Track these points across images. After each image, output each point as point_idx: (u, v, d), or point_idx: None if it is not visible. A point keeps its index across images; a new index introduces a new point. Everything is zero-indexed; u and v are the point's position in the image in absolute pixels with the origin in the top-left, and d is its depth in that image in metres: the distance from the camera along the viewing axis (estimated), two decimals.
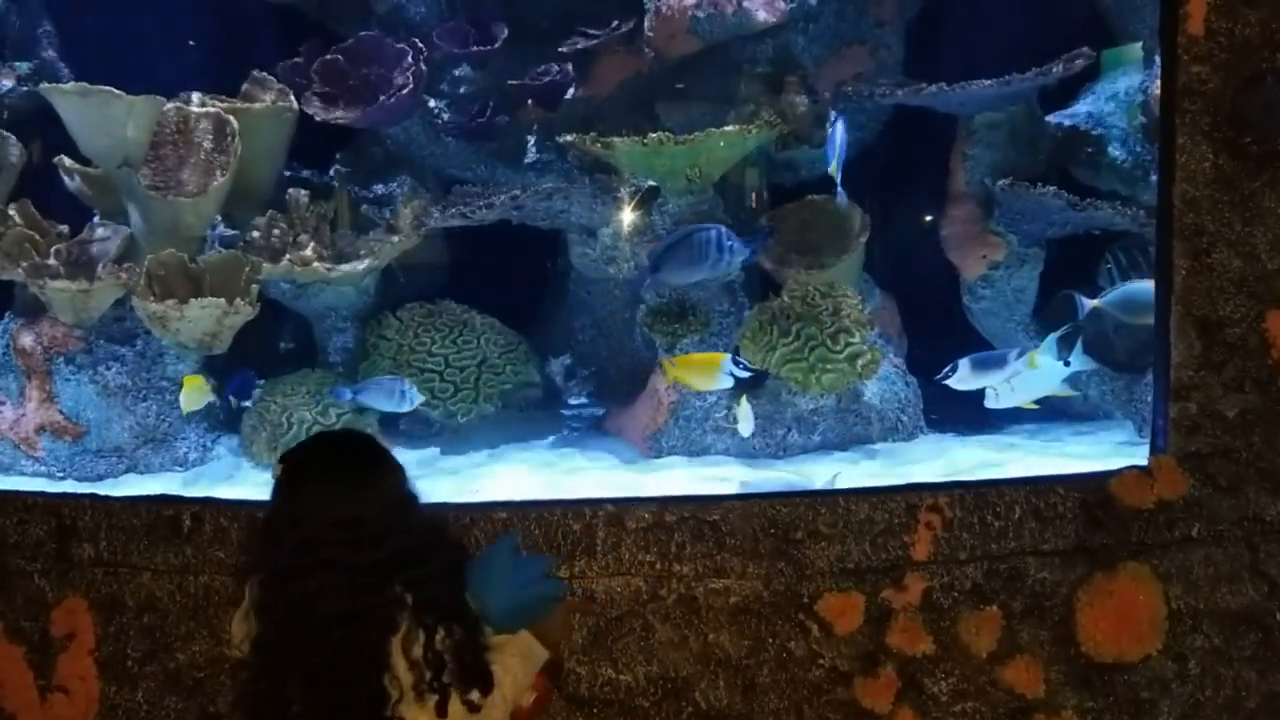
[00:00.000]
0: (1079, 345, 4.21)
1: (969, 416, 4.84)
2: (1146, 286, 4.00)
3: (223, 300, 4.63)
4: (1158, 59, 4.39)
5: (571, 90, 5.23)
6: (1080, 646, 3.61)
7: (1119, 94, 4.95)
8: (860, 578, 3.56)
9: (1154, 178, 4.75)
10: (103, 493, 4.09)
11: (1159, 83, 4.49)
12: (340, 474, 2.39)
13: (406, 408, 4.62)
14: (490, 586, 2.49)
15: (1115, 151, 4.89)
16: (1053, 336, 4.24)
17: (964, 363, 4.28)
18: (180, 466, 4.83)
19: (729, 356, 4.33)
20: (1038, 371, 4.16)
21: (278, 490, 2.40)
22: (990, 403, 4.22)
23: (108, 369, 4.78)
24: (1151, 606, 3.60)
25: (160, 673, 3.75)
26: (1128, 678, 3.66)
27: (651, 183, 4.87)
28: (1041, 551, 3.63)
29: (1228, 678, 3.73)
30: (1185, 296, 3.70)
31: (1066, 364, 4.19)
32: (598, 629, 3.57)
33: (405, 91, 5.06)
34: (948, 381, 4.35)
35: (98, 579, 3.79)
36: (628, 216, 4.90)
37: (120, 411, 4.78)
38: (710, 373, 4.36)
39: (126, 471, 4.78)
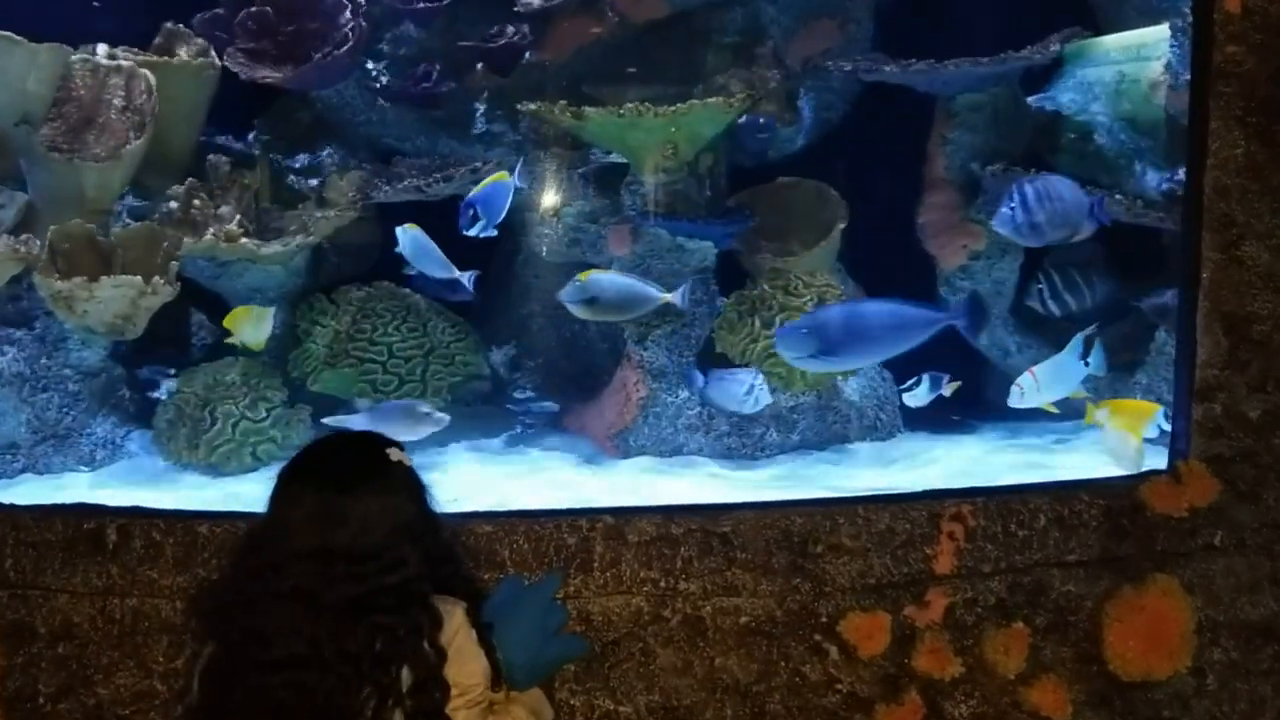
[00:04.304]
0: (1098, 347, 3.99)
1: (942, 415, 4.63)
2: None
3: (139, 279, 4.12)
4: (1167, 41, 4.25)
5: (526, 54, 4.79)
6: (1108, 665, 3.40)
7: (1104, 79, 4.75)
8: (882, 594, 3.28)
9: (1138, 167, 4.63)
10: (8, 501, 3.57)
11: (1158, 65, 4.42)
12: (331, 488, 2.08)
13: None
14: (512, 642, 2.25)
15: (1101, 139, 4.68)
16: (1079, 337, 4.01)
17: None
18: (86, 466, 4.33)
19: (1162, 410, 3.78)
20: (1060, 371, 3.92)
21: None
22: (1014, 402, 3.98)
23: (1, 355, 4.27)
24: (1182, 622, 3.41)
25: (78, 710, 3.29)
26: (1149, 695, 3.47)
27: (618, 158, 4.50)
28: (1066, 563, 3.42)
29: (1243, 692, 3.56)
30: (1213, 291, 3.51)
31: (1086, 364, 3.96)
32: (593, 654, 3.21)
33: (343, 50, 4.58)
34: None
35: (2, 602, 3.30)
36: (594, 195, 4.51)
37: (15, 404, 4.27)
38: (1140, 421, 3.81)
39: (23, 472, 4.25)
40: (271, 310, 4.34)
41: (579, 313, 4.20)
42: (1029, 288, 4.72)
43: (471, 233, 4.07)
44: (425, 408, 4.13)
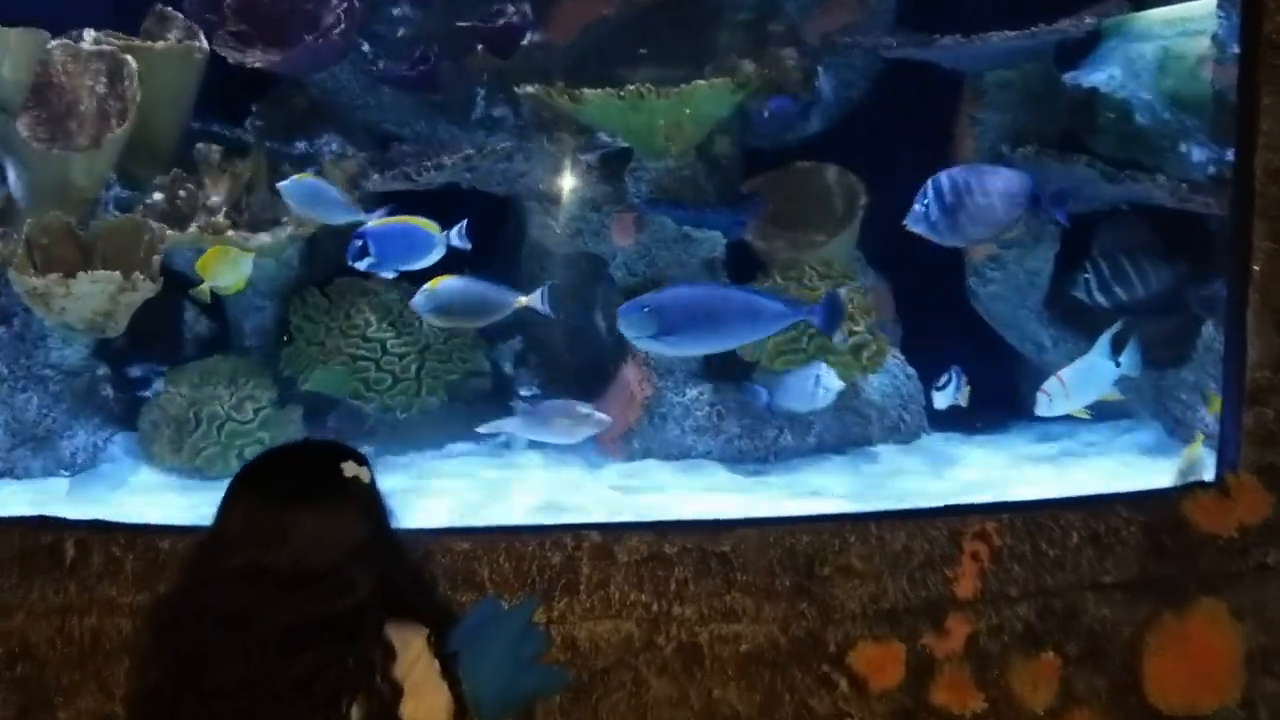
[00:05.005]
0: (1132, 345, 3.69)
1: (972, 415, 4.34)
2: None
3: (117, 274, 3.92)
4: (1214, 12, 3.94)
5: (529, 35, 4.54)
6: (1147, 698, 3.14)
7: (1145, 54, 4.43)
8: (897, 621, 3.02)
9: (1183, 148, 4.32)
10: None
11: (1204, 39, 4.11)
12: (273, 502, 1.89)
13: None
14: (481, 673, 2.01)
15: (1142, 118, 4.37)
16: (1106, 335, 3.73)
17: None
18: (66, 470, 4.13)
19: None
20: (1089, 374, 3.63)
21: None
22: (1042, 410, 3.70)
23: None
24: (1230, 652, 3.15)
25: None
26: None
27: (622, 143, 4.25)
28: (1101, 585, 3.17)
29: None
30: (1265, 285, 3.24)
31: (1117, 364, 3.67)
32: (580, 684, 2.99)
33: (336, 32, 4.36)
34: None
35: None
36: (595, 182, 4.26)
37: None
38: None
39: (0, 476, 4.06)
40: (251, 255, 4.10)
41: (433, 320, 4.03)
42: (1075, 278, 4.44)
43: (359, 266, 3.85)
44: (584, 408, 3.94)
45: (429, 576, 2.15)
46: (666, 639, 3.01)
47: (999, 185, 3.64)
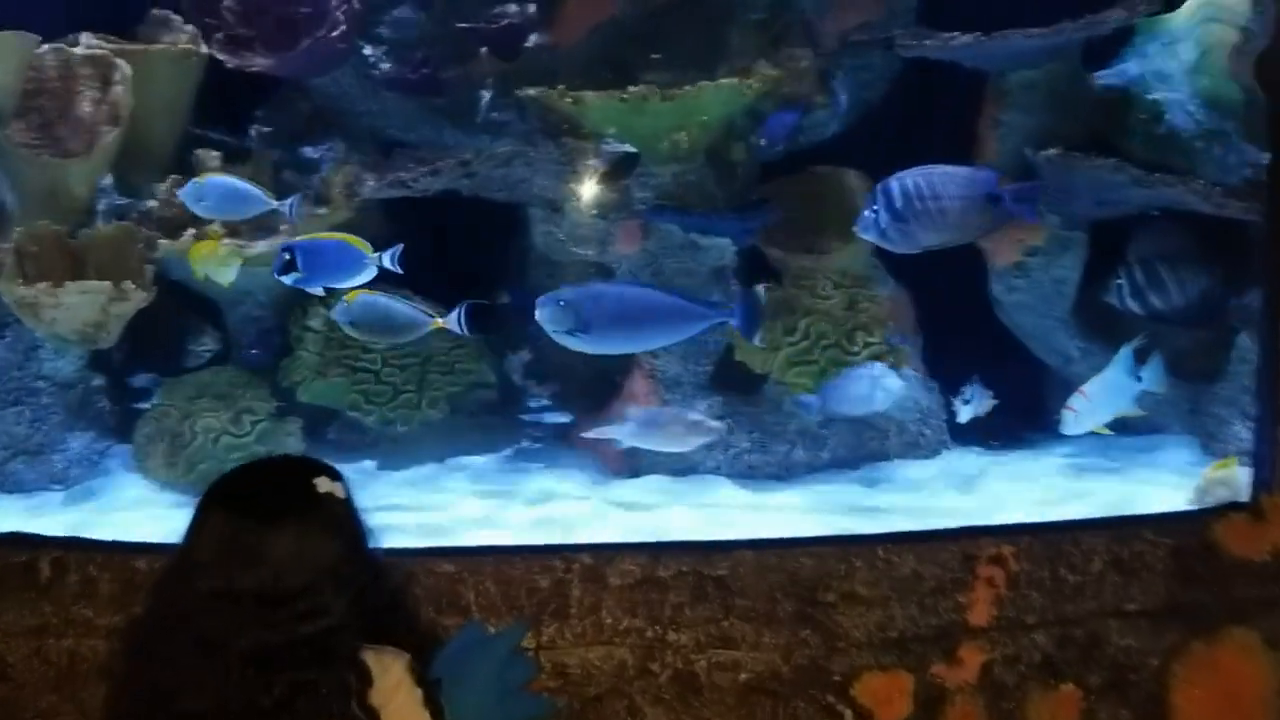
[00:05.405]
0: (1156, 360, 3.52)
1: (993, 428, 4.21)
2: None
3: (107, 284, 3.88)
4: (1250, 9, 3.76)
5: (533, 37, 4.45)
6: None
7: (1179, 52, 4.25)
8: (905, 650, 2.87)
9: (1218, 151, 4.13)
10: None
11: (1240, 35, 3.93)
12: (244, 521, 1.79)
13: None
14: (465, 701, 1.94)
15: (1175, 120, 4.18)
16: (1127, 349, 3.57)
17: None
18: (59, 484, 4.07)
19: None
20: (1109, 390, 3.46)
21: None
22: (1069, 428, 3.54)
23: None
24: (1262, 683, 3.01)
25: None
26: None
27: (629, 147, 4.12)
28: (1125, 613, 3.01)
29: None
30: None
31: (1139, 379, 3.50)
32: (572, 712, 2.88)
33: (335, 35, 4.29)
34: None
35: None
36: (600, 188, 4.13)
37: None
38: None
39: None
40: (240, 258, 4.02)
41: (351, 333, 3.95)
42: (1107, 282, 4.26)
43: (285, 280, 3.73)
44: (697, 415, 3.82)
45: (411, 599, 2.06)
46: (661, 666, 2.89)
47: (952, 188, 3.49)
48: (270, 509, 1.80)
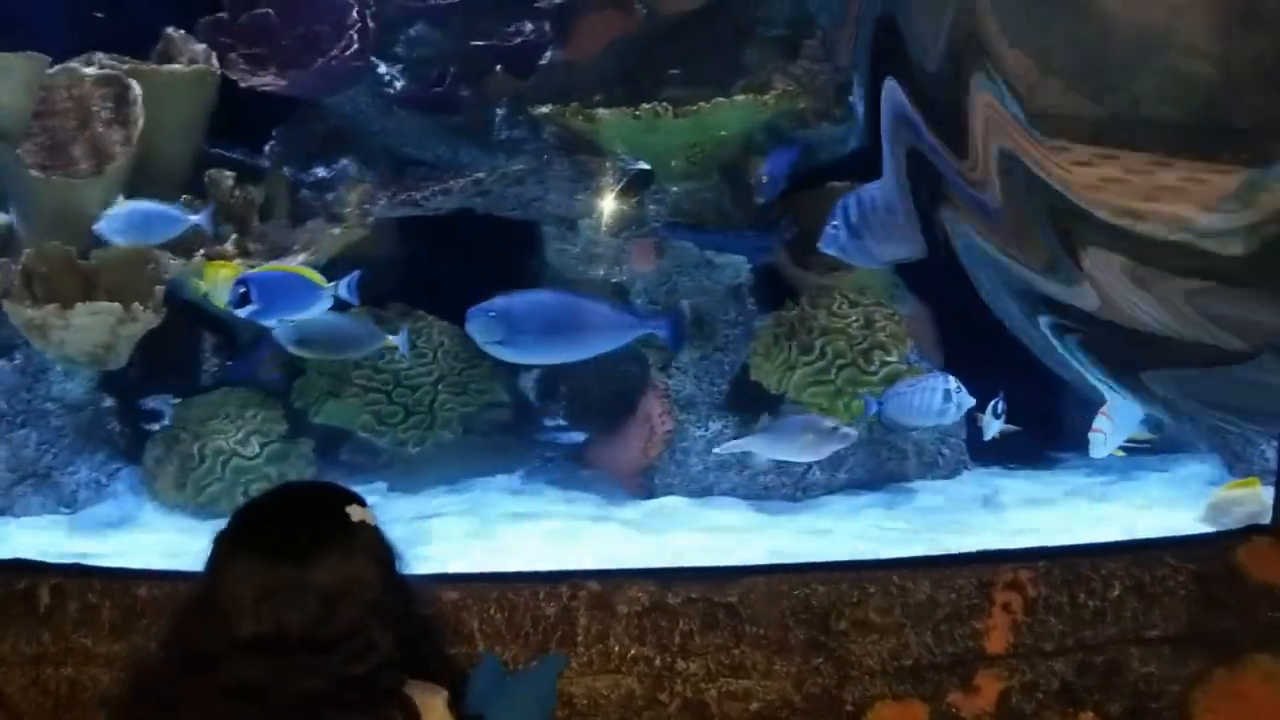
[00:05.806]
0: None
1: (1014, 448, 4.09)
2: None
3: (116, 306, 3.83)
4: None
5: (548, 54, 4.41)
6: None
7: None
8: (920, 678, 2.77)
9: None
10: None
11: None
12: (283, 559, 1.69)
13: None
14: None
15: None
16: None
17: None
18: (67, 508, 4.01)
19: None
20: (1120, 413, 3.39)
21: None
22: (1098, 450, 3.45)
23: None
24: None
25: None
26: None
27: (643, 164, 4.07)
28: (1147, 640, 2.88)
29: None
30: None
31: None
32: None
33: (349, 53, 4.27)
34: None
35: None
36: (614, 205, 4.08)
37: None
38: None
39: None
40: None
41: (296, 350, 3.94)
42: None
43: (240, 313, 3.70)
44: (830, 423, 3.71)
45: (440, 630, 1.96)
46: (670, 696, 2.78)
47: (908, 202, 3.41)
48: (308, 543, 1.70)
